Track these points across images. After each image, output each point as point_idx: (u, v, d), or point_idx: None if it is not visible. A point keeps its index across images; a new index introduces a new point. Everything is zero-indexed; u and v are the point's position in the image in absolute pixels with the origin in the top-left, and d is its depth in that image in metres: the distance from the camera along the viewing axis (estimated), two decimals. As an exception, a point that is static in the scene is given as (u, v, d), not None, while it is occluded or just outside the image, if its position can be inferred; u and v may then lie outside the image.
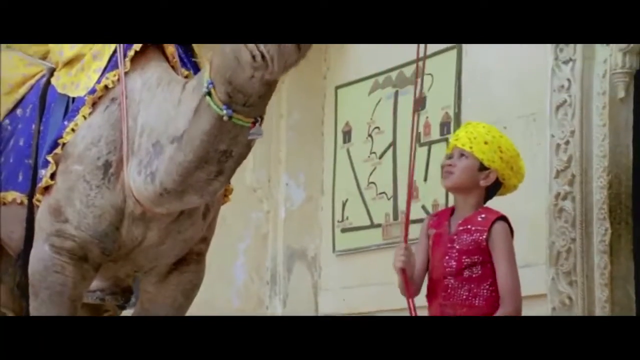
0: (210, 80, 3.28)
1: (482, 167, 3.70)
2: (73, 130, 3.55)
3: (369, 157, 5.86)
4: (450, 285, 3.65)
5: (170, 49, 3.67)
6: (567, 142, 4.61)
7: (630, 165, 4.50)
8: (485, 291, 3.63)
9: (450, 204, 5.03)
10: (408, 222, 3.67)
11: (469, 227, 3.66)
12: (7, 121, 3.86)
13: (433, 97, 5.40)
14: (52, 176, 3.54)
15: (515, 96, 4.97)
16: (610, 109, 4.50)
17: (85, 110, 3.57)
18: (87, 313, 3.99)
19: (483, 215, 3.68)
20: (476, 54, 5.21)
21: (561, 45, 4.65)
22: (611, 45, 4.50)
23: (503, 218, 3.69)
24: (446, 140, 5.33)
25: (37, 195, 3.59)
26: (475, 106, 5.20)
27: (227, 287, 6.17)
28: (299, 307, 6.09)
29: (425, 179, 5.42)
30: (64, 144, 3.55)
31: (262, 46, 3.15)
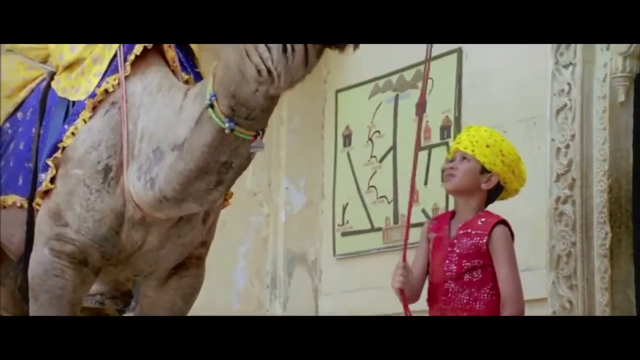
0: (213, 93, 3.28)
1: (484, 171, 3.71)
2: (73, 134, 3.55)
3: (369, 160, 5.86)
4: (450, 290, 3.64)
5: (171, 53, 3.67)
6: (568, 146, 4.61)
7: (630, 169, 4.50)
8: (485, 295, 3.62)
9: (451, 207, 5.03)
10: (409, 227, 3.66)
11: (469, 230, 3.66)
12: (7, 125, 3.87)
13: (433, 101, 5.40)
14: (52, 180, 3.54)
15: (516, 100, 4.97)
16: (610, 112, 4.50)
17: (85, 114, 3.56)
18: (87, 317, 3.99)
19: (483, 219, 3.68)
20: (476, 57, 5.22)
21: (561, 49, 4.65)
22: (611, 49, 4.50)
23: (503, 222, 3.69)
24: (446, 144, 5.33)
25: (37, 199, 3.59)
26: (475, 110, 5.20)
27: (228, 291, 6.17)
28: (300, 310, 6.09)
29: (426, 183, 5.42)
30: (63, 148, 3.54)
31: (268, 61, 3.15)
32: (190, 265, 3.73)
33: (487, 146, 3.71)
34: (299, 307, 6.11)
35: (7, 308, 4.05)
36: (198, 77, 3.77)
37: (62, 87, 3.71)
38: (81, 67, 3.67)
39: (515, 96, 4.98)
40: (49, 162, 3.55)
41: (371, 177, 5.84)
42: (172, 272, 3.71)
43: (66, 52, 3.73)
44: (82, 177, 3.49)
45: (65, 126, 3.58)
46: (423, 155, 5.45)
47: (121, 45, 3.60)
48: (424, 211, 5.38)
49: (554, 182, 4.63)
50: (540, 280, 4.60)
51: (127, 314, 4.15)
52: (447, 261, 3.66)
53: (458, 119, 5.29)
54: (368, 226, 5.82)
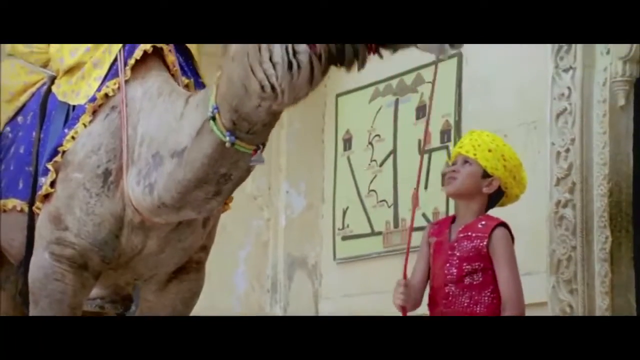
0: (216, 105, 3.28)
1: (486, 175, 3.71)
2: (73, 138, 3.55)
3: (369, 164, 5.86)
4: (451, 293, 3.64)
5: (171, 57, 3.67)
6: (568, 150, 4.61)
7: (630, 173, 4.50)
8: (486, 298, 3.62)
9: (451, 211, 5.05)
10: (410, 242, 3.66)
11: (469, 233, 3.66)
12: (8, 129, 3.87)
13: (433, 105, 5.38)
14: (52, 184, 3.54)
15: (516, 104, 4.97)
16: (610, 116, 4.50)
17: (85, 118, 3.57)
18: (87, 321, 3.99)
19: (483, 222, 3.68)
20: (477, 62, 5.22)
21: (561, 54, 4.65)
22: (611, 53, 4.50)
23: (503, 224, 3.69)
24: (446, 148, 5.33)
25: (37, 203, 3.59)
26: (475, 114, 5.20)
27: (228, 295, 6.17)
28: (300, 314, 6.08)
29: (426, 187, 5.42)
30: (64, 152, 3.55)
31: (272, 78, 3.15)
32: (190, 270, 3.73)
33: (489, 150, 3.72)
34: (300, 311, 6.11)
35: (8, 312, 4.05)
36: (198, 81, 3.77)
37: (63, 91, 3.71)
38: (81, 71, 3.68)
39: (516, 100, 4.98)
40: (49, 166, 3.55)
41: (371, 181, 5.84)
42: (172, 276, 3.72)
43: (66, 56, 3.74)
44: (82, 181, 3.50)
45: (66, 130, 3.59)
46: (423, 159, 5.45)
47: (121, 49, 3.60)
48: (424, 215, 5.38)
49: (554, 186, 4.63)
50: (541, 285, 4.59)
51: (127, 318, 4.16)
52: (447, 264, 3.66)
53: (458, 123, 5.30)
54: (368, 230, 5.82)
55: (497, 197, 3.75)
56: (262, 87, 3.17)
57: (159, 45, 3.62)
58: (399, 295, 3.62)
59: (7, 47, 4.01)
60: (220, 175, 3.32)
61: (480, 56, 5.16)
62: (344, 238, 5.98)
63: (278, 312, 6.20)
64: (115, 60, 3.60)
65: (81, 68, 3.68)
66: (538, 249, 4.65)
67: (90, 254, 3.50)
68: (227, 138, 3.25)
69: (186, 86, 3.69)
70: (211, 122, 3.27)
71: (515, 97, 4.99)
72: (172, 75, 3.65)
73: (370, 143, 5.88)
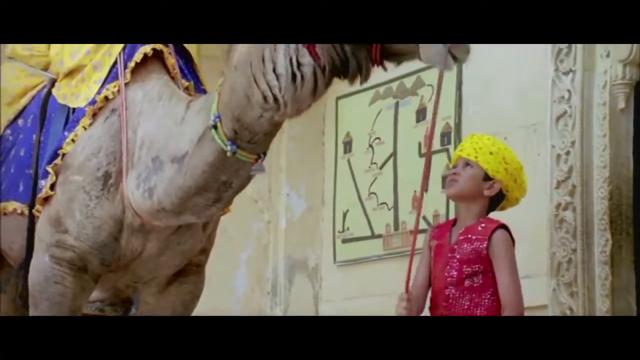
0: (218, 114, 3.28)
1: (487, 178, 3.71)
2: (73, 141, 3.55)
3: (369, 167, 5.86)
4: (451, 295, 3.64)
5: (171, 60, 3.67)
6: (568, 153, 4.61)
7: (630, 176, 4.50)
8: (486, 301, 3.62)
9: (451, 214, 5.06)
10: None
11: (469, 236, 3.66)
12: (8, 131, 3.87)
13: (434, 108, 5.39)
14: (52, 187, 3.54)
15: (516, 107, 4.97)
16: (610, 119, 4.50)
17: (85, 121, 3.57)
18: (87, 324, 3.98)
19: (483, 225, 3.68)
20: (477, 64, 5.19)
21: (561, 56, 4.65)
22: (611, 56, 4.50)
23: (504, 226, 3.69)
24: (447, 150, 5.33)
25: (37, 206, 3.59)
26: (476, 117, 5.20)
27: (228, 298, 6.16)
28: (300, 317, 6.09)
29: (426, 190, 5.40)
30: (63, 155, 3.55)
31: (275, 89, 3.16)
32: (190, 272, 3.73)
33: (491, 153, 3.72)
34: (300, 313, 6.10)
35: (8, 315, 4.05)
36: (198, 84, 3.77)
37: (63, 94, 3.71)
38: (81, 74, 3.68)
39: (516, 103, 4.98)
40: (49, 169, 3.55)
41: (371, 184, 5.83)
42: (172, 279, 3.72)
43: (67, 59, 3.74)
44: (81, 183, 3.50)
45: (65, 133, 3.59)
46: (423, 162, 5.45)
47: (121, 52, 3.61)
48: (424, 218, 5.37)
49: (555, 189, 4.63)
50: (541, 287, 4.59)
51: (127, 321, 4.15)
52: (447, 267, 3.66)
53: (458, 125, 5.29)
54: (368, 233, 5.81)
55: (497, 200, 3.76)
56: (265, 98, 3.18)
57: (159, 48, 3.63)
58: (402, 310, 3.60)
59: (7, 50, 4.01)
60: (220, 183, 3.33)
61: (480, 59, 5.14)
62: (344, 241, 5.98)
63: (278, 314, 6.20)
64: (115, 63, 3.60)
65: (81, 71, 3.69)
66: (538, 251, 4.64)
67: (89, 257, 3.50)
68: (229, 147, 3.26)
69: (186, 89, 3.69)
70: (213, 130, 3.28)
71: (515, 100, 4.98)
72: (172, 78, 3.65)
73: (370, 146, 5.87)
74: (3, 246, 3.85)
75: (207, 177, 3.31)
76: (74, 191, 3.50)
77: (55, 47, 3.83)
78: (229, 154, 3.26)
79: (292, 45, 3.14)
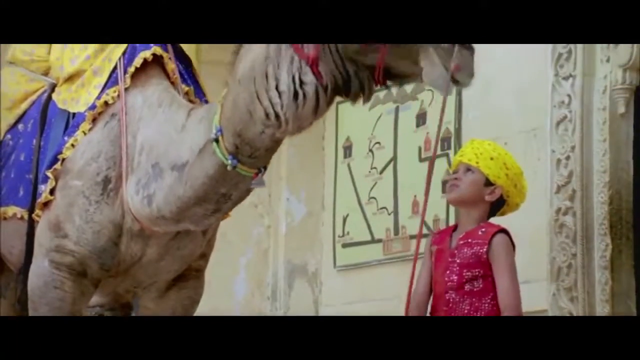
0: (220, 127, 3.29)
1: (488, 183, 3.71)
2: (73, 145, 3.56)
3: (369, 172, 5.86)
4: (451, 300, 3.64)
5: (171, 65, 3.67)
6: (568, 158, 4.61)
7: (630, 180, 4.50)
8: (486, 305, 3.62)
9: (452, 218, 5.05)
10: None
11: (469, 240, 3.67)
12: (8, 136, 3.88)
13: (433, 113, 5.40)
14: (52, 191, 3.55)
15: (516, 112, 4.97)
16: (610, 124, 4.50)
17: (85, 126, 3.57)
18: (86, 328, 3.98)
19: (483, 229, 3.68)
20: (476, 69, 5.20)
21: (561, 61, 4.65)
22: (611, 61, 4.50)
23: (504, 231, 3.69)
24: (446, 155, 5.33)
25: (37, 211, 3.59)
26: (475, 122, 5.20)
27: (228, 302, 6.16)
28: (300, 322, 6.08)
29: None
30: (63, 160, 3.55)
31: (277, 106, 3.18)
32: (189, 277, 3.73)
33: (492, 159, 3.72)
34: (300, 318, 6.10)
35: (8, 319, 4.05)
36: (198, 89, 3.78)
37: (63, 98, 3.72)
38: (81, 79, 3.68)
39: (516, 108, 4.98)
40: (49, 174, 3.55)
41: (372, 189, 5.84)
42: (172, 284, 3.72)
43: (67, 64, 3.74)
44: (81, 188, 3.50)
45: (65, 138, 3.59)
46: (423, 166, 5.45)
47: (121, 57, 3.61)
48: (424, 223, 5.37)
49: (555, 194, 4.63)
50: (541, 292, 4.59)
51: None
52: (448, 271, 3.66)
53: (458, 130, 5.29)
54: (368, 237, 5.81)
55: (498, 205, 3.76)
56: (267, 115, 3.20)
57: (159, 53, 3.63)
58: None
59: (8, 55, 4.02)
60: (220, 195, 3.34)
61: (480, 64, 5.15)
62: (344, 245, 5.98)
63: (278, 319, 6.20)
64: (115, 68, 3.61)
65: (81, 76, 3.69)
66: (538, 256, 4.64)
67: (89, 262, 3.50)
68: (229, 161, 3.27)
69: (186, 94, 3.70)
70: (214, 143, 3.29)
71: (515, 105, 4.98)
72: (172, 83, 3.66)
73: (370, 150, 5.88)
74: (3, 251, 3.85)
75: (206, 189, 3.32)
76: (74, 196, 3.50)
77: (55, 52, 3.83)
78: (229, 168, 3.27)
79: (296, 63, 3.16)
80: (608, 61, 4.52)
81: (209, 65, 4.00)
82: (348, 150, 6.03)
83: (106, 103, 3.58)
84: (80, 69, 3.69)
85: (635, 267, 4.47)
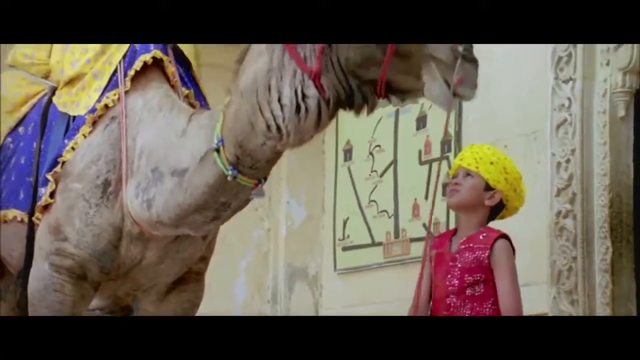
0: (221, 137, 3.29)
1: (488, 187, 3.71)
2: (73, 148, 3.56)
3: (370, 175, 5.86)
4: (452, 304, 3.64)
5: (171, 68, 3.68)
6: (568, 161, 4.61)
7: (631, 183, 4.50)
8: (487, 310, 3.62)
9: (452, 222, 5.05)
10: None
11: (471, 245, 3.66)
12: (9, 139, 3.88)
13: (434, 116, 5.40)
14: (52, 194, 3.55)
15: (516, 115, 4.97)
16: (610, 127, 4.50)
17: (85, 129, 3.57)
18: (87, 332, 3.98)
19: (485, 234, 3.68)
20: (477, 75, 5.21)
21: (561, 65, 4.66)
22: (611, 64, 4.51)
23: (505, 236, 3.69)
24: (447, 158, 5.33)
25: (37, 214, 3.59)
26: (475, 125, 5.20)
27: (228, 305, 6.16)
28: (300, 325, 6.07)
29: (427, 197, 5.42)
30: (63, 162, 3.55)
31: (279, 119, 3.18)
32: (189, 280, 3.73)
33: (491, 163, 3.72)
34: (300, 321, 6.10)
35: (8, 323, 4.04)
36: (198, 92, 3.78)
37: (63, 102, 3.72)
38: (82, 82, 3.68)
39: (516, 111, 4.98)
40: (49, 177, 3.55)
41: (372, 192, 5.84)
42: (172, 287, 3.72)
43: (67, 67, 3.75)
44: (81, 191, 3.50)
45: (66, 141, 3.59)
46: (424, 169, 5.46)
47: (121, 60, 3.61)
48: (424, 226, 5.37)
49: (555, 197, 4.63)
50: (541, 296, 4.59)
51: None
52: (449, 275, 3.66)
53: (458, 133, 5.29)
54: (369, 241, 5.81)
55: (497, 209, 3.76)
56: (268, 127, 3.20)
57: (159, 56, 3.63)
58: None
59: (8, 59, 4.02)
60: (219, 204, 3.35)
61: (480, 67, 5.16)
62: (345, 249, 5.98)
63: (278, 322, 6.19)
64: (116, 71, 3.61)
65: (81, 79, 3.69)
66: (539, 259, 4.64)
67: (89, 265, 3.50)
68: (230, 172, 3.28)
69: (186, 97, 3.70)
70: (215, 153, 3.30)
71: (515, 108, 4.99)
72: (172, 86, 3.66)
73: (370, 153, 5.88)
74: (3, 254, 3.85)
75: (206, 198, 3.33)
76: (74, 199, 3.50)
77: (55, 56, 3.83)
78: (229, 178, 3.28)
79: (298, 77, 3.17)
80: (608, 64, 4.52)
81: (209, 68, 3.99)
82: (348, 154, 6.04)
83: (106, 106, 3.58)
84: (81, 72, 3.69)
85: (635, 270, 4.47)
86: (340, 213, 6.03)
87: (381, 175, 5.79)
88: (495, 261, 3.63)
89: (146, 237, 3.51)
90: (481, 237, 3.67)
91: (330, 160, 6.13)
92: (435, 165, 5.41)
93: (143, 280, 3.65)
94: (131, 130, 3.51)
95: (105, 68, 3.63)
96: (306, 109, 3.17)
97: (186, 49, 3.77)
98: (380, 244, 5.73)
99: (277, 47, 3.19)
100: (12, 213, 3.73)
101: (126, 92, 3.58)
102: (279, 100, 3.18)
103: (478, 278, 3.63)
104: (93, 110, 3.59)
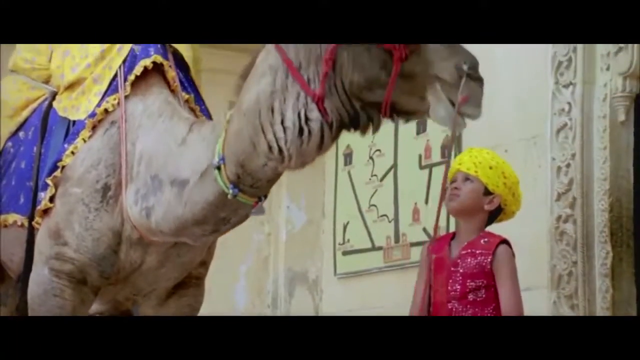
0: (222, 156, 3.29)
1: (487, 192, 3.72)
2: (73, 153, 3.56)
3: (370, 179, 5.86)
4: (454, 309, 3.64)
5: (171, 73, 3.68)
6: (568, 165, 4.61)
7: (631, 188, 4.50)
8: (489, 315, 3.62)
9: (452, 226, 5.04)
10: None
11: (472, 250, 3.66)
12: (10, 144, 3.88)
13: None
14: (52, 199, 3.54)
15: (516, 119, 4.97)
16: (610, 132, 4.50)
17: (85, 133, 3.57)
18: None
19: (486, 239, 3.68)
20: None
21: (561, 69, 4.66)
22: (611, 69, 4.51)
23: (506, 241, 3.69)
24: (446, 163, 5.33)
25: (37, 218, 3.59)
26: (476, 129, 5.17)
27: (228, 310, 6.16)
28: (300, 329, 6.07)
29: (427, 202, 5.42)
30: (63, 167, 3.55)
31: (281, 141, 3.17)
32: (189, 285, 3.73)
33: (490, 168, 3.73)
34: (300, 326, 6.09)
35: (8, 328, 4.04)
36: (198, 97, 3.78)
37: (63, 106, 3.72)
38: (82, 87, 3.68)
39: (516, 115, 4.98)
40: (49, 181, 3.55)
41: (372, 196, 5.84)
42: (172, 292, 3.71)
43: (67, 72, 3.75)
44: (81, 196, 3.50)
45: (65, 145, 3.59)
46: (424, 174, 5.45)
47: (121, 65, 3.61)
48: (425, 230, 5.37)
49: (555, 201, 4.63)
50: (541, 300, 4.58)
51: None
52: (450, 281, 3.66)
53: (458, 138, 5.29)
54: (369, 245, 5.81)
55: (495, 214, 3.76)
56: (270, 148, 3.20)
57: (159, 61, 3.63)
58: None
59: (9, 63, 4.02)
60: (219, 219, 3.36)
61: (480, 71, 5.16)
62: (345, 253, 5.98)
63: (279, 327, 6.18)
64: (116, 76, 3.61)
65: (82, 84, 3.69)
66: (539, 264, 4.64)
67: (89, 269, 3.50)
68: (230, 190, 3.28)
69: (186, 101, 3.70)
70: (216, 171, 3.29)
71: (515, 112, 4.99)
72: (172, 91, 3.66)
73: (370, 158, 5.88)
74: (3, 258, 3.85)
75: (206, 214, 3.34)
76: (73, 203, 3.50)
77: (56, 60, 3.84)
78: (230, 196, 3.28)
79: (302, 99, 3.16)
80: (608, 69, 4.52)
81: (209, 72, 3.99)
82: (348, 158, 6.04)
83: (106, 111, 3.58)
84: (81, 77, 3.70)
85: (636, 274, 4.47)
86: (340, 217, 6.03)
87: (381, 180, 5.79)
88: (497, 267, 3.64)
89: (146, 242, 3.51)
90: (482, 242, 3.67)
91: (330, 165, 6.13)
92: (435, 169, 5.41)
93: (143, 284, 3.65)
94: (131, 135, 3.51)
95: (105, 73, 3.63)
96: (309, 132, 3.16)
97: (186, 53, 3.77)
98: (380, 248, 5.73)
99: (281, 69, 3.19)
100: (12, 217, 3.72)
101: (126, 97, 3.58)
102: (282, 122, 3.17)
103: (480, 283, 3.63)
104: (93, 114, 3.59)
